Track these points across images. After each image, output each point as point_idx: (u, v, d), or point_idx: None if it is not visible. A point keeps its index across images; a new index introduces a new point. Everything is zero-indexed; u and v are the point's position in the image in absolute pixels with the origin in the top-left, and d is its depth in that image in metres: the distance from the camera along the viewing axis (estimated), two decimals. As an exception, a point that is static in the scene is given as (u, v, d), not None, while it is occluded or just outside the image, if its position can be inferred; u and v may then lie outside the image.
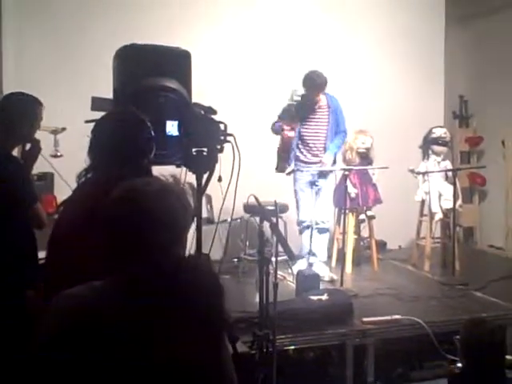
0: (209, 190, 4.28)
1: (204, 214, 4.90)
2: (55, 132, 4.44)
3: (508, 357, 3.97)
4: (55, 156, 4.41)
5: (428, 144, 5.90)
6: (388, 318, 4.27)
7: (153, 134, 2.41)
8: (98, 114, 2.65)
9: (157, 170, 2.59)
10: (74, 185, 2.47)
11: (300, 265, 5.22)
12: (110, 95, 3.39)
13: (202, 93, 3.43)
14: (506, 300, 4.79)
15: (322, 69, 6.60)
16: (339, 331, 4.08)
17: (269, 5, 6.48)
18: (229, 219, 4.62)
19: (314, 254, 5.33)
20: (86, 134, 2.47)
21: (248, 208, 5.23)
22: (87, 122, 2.78)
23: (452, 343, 4.06)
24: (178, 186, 1.53)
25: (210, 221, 4.91)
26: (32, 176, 3.50)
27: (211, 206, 5.28)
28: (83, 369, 1.33)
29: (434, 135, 5.87)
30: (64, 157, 4.41)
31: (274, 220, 3.86)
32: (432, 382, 3.87)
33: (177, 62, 3.37)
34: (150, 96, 3.16)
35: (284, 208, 5.29)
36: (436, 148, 5.86)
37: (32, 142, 3.34)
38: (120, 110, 2.68)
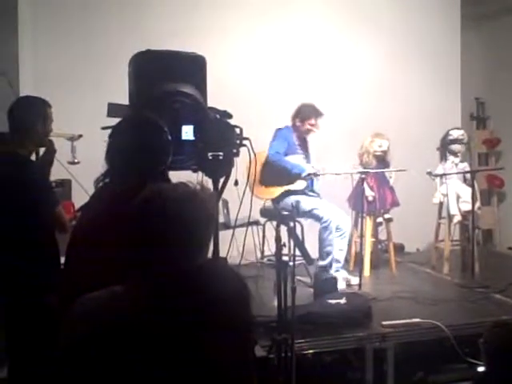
0: (225, 195, 4.30)
1: (221, 219, 4.93)
2: (72, 139, 4.46)
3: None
4: (72, 163, 4.43)
5: (445, 146, 5.86)
6: (407, 321, 4.23)
7: (170, 139, 2.42)
8: (115, 121, 2.67)
9: (173, 176, 2.62)
10: (92, 191, 2.49)
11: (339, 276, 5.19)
12: (126, 101, 3.42)
13: (217, 98, 3.44)
14: (526, 303, 4.74)
15: (337, 74, 6.64)
16: (358, 335, 4.04)
17: (282, 12, 6.49)
18: (245, 224, 4.66)
19: (337, 261, 5.29)
20: (103, 140, 2.49)
21: (265, 212, 5.23)
22: (104, 128, 2.80)
23: (472, 346, 4.05)
24: (204, 193, 1.53)
25: (226, 226, 4.92)
26: (50, 182, 3.53)
27: (228, 211, 5.29)
28: (107, 372, 1.33)
29: (451, 137, 5.84)
30: (81, 163, 4.43)
31: (291, 224, 3.86)
32: (452, 385, 3.83)
33: (192, 68, 3.39)
34: (166, 101, 3.18)
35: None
36: (453, 146, 5.82)
37: (46, 144, 3.38)
38: (138, 115, 2.68)
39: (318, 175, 5.24)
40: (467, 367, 3.93)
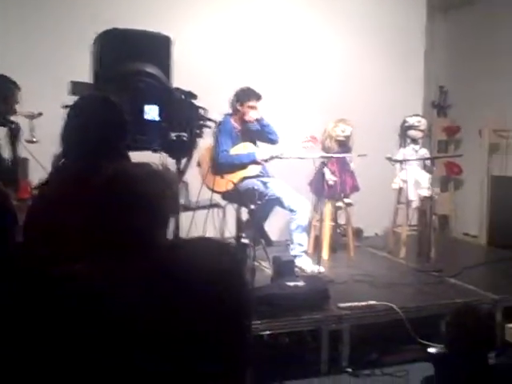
0: (186, 177, 4.31)
1: (181, 201, 4.93)
2: (31, 117, 4.39)
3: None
4: (31, 141, 4.36)
5: (403, 132, 5.97)
6: (363, 303, 4.32)
7: (127, 118, 2.41)
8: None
9: (135, 156, 2.62)
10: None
11: (302, 263, 5.24)
12: (89, 80, 3.39)
13: (183, 79, 3.43)
14: (479, 286, 4.87)
15: (302, 60, 6.66)
16: (314, 317, 4.12)
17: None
18: (206, 206, 4.68)
19: (300, 244, 5.34)
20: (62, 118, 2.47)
21: (226, 195, 5.25)
22: (65, 107, 2.77)
23: (426, 328, 4.19)
24: (167, 173, 1.54)
25: (186, 207, 4.92)
26: (6, 161, 3.47)
27: (188, 193, 5.29)
28: (69, 353, 1.32)
29: (407, 124, 5.94)
30: (41, 142, 4.37)
31: (252, 206, 3.91)
32: (405, 365, 3.93)
33: (157, 47, 3.38)
34: (130, 81, 3.17)
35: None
36: (410, 133, 5.92)
37: (6, 124, 3.32)
38: (92, 94, 2.67)
39: (281, 158, 5.26)
40: (420, 348, 4.03)
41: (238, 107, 5.30)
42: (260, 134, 5.38)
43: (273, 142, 5.38)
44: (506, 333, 4.43)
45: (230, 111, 5.37)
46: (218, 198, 5.24)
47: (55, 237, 2.04)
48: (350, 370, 4.07)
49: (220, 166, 5.06)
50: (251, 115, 5.27)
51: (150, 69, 3.22)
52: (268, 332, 3.97)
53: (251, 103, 5.26)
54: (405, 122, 5.96)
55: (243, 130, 5.39)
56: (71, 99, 2.81)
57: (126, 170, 1.50)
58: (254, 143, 5.41)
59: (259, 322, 3.84)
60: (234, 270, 1.34)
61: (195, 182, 3.60)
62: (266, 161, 5.30)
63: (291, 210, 5.28)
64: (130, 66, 3.23)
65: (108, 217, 1.44)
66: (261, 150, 5.34)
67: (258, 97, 5.27)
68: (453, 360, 2.78)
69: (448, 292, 4.75)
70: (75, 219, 1.87)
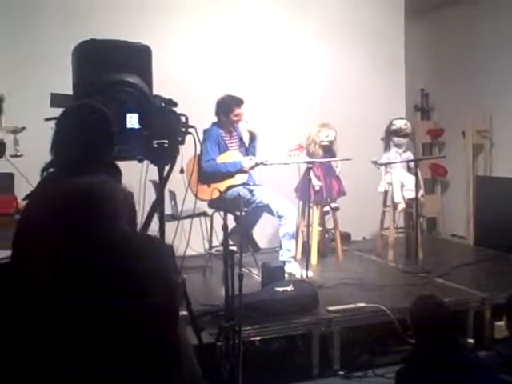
0: (173, 187, 4.31)
1: (168, 211, 4.93)
2: (15, 132, 4.39)
3: (469, 340, 4.11)
4: (15, 156, 4.36)
5: (389, 136, 6.02)
6: (353, 306, 4.34)
7: (115, 126, 2.43)
8: (58, 112, 2.66)
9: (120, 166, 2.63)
10: (35, 184, 2.48)
11: (291, 268, 5.25)
12: (69, 91, 3.39)
13: (163, 87, 3.44)
14: (467, 286, 4.92)
15: (284, 65, 6.70)
16: (305, 321, 4.14)
17: (229, 3, 6.51)
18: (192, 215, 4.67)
19: (288, 250, 5.35)
20: (50, 127, 2.48)
21: (212, 203, 5.26)
22: (47, 119, 2.78)
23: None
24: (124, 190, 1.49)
25: (174, 217, 4.92)
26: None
27: (175, 203, 5.29)
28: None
29: (394, 127, 5.99)
30: (25, 156, 4.37)
31: (238, 213, 3.91)
32: (396, 366, 3.92)
33: (136, 57, 3.37)
34: (110, 91, 3.17)
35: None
36: (397, 140, 5.98)
37: None
38: (83, 104, 2.68)
39: (266, 164, 5.29)
40: (411, 349, 4.04)
41: (223, 118, 5.32)
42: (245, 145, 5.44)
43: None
44: (496, 330, 4.48)
45: (216, 120, 5.39)
46: (204, 207, 5.26)
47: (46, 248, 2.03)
48: (341, 372, 4.09)
49: (206, 174, 5.06)
50: (242, 125, 5.35)
51: (130, 78, 3.21)
52: (259, 338, 3.98)
53: (236, 112, 5.29)
54: (392, 124, 6.00)
55: (230, 139, 5.41)
56: (53, 112, 2.82)
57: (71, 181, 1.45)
58: (241, 152, 5.43)
59: (249, 327, 3.85)
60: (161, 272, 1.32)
61: (183, 190, 3.60)
62: (251, 168, 5.33)
63: (279, 217, 5.30)
64: (109, 76, 3.23)
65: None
66: (247, 158, 5.35)
67: (239, 103, 5.30)
68: (420, 349, 2.82)
69: (436, 292, 4.75)
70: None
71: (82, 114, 2.50)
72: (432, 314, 2.81)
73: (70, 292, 1.28)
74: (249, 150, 5.46)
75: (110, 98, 3.08)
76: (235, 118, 5.31)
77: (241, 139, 5.47)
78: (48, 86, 3.72)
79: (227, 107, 5.29)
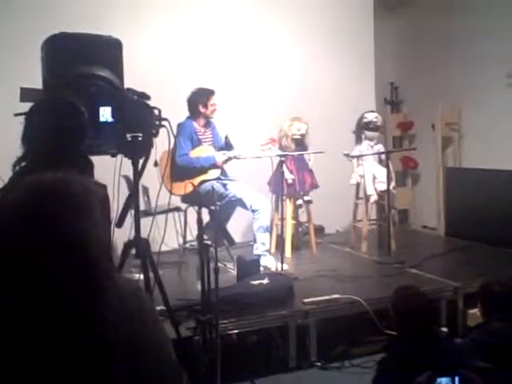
0: (146, 182, 4.28)
1: (141, 207, 4.89)
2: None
3: (443, 329, 4.16)
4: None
5: (360, 128, 6.06)
6: (328, 297, 4.36)
7: (87, 119, 2.40)
8: (27, 106, 2.62)
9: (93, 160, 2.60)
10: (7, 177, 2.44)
11: (266, 262, 5.26)
12: (39, 86, 3.34)
13: (135, 81, 3.41)
14: (439, 275, 4.98)
15: (255, 60, 6.69)
16: (281, 313, 4.15)
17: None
18: (166, 210, 4.65)
19: (263, 243, 5.36)
20: (19, 122, 2.44)
21: (185, 198, 5.23)
22: (17, 114, 2.73)
23: (390, 318, 4.23)
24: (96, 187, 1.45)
25: (147, 213, 4.88)
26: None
27: (148, 198, 5.26)
28: None
29: (365, 120, 6.03)
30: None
31: (213, 207, 3.90)
32: (372, 356, 3.96)
33: (107, 50, 3.33)
34: (81, 85, 3.13)
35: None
36: (368, 133, 6.03)
37: None
38: (55, 97, 2.65)
39: (238, 158, 5.28)
40: (386, 339, 4.08)
41: (202, 109, 5.29)
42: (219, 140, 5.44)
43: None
44: (468, 318, 4.54)
45: (189, 114, 5.36)
46: (178, 202, 5.23)
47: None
48: (318, 363, 4.10)
49: (180, 169, 5.03)
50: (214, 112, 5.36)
51: (101, 72, 3.18)
52: (236, 331, 3.97)
53: (212, 101, 5.31)
54: (363, 117, 6.05)
55: (204, 134, 5.39)
56: (23, 106, 2.78)
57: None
58: (215, 147, 5.42)
59: (226, 321, 3.84)
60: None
61: (157, 185, 3.57)
62: (225, 162, 5.32)
63: (253, 210, 5.31)
64: (80, 69, 3.19)
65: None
66: (220, 153, 5.34)
67: (213, 92, 5.33)
68: (402, 339, 2.85)
69: (410, 282, 4.80)
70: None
71: (52, 107, 2.47)
72: (414, 304, 2.86)
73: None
74: (224, 145, 5.45)
75: (81, 91, 3.04)
76: (213, 108, 5.32)
77: (214, 134, 5.45)
78: (17, 80, 3.66)
79: (203, 97, 5.29)
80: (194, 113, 5.35)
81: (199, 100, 5.29)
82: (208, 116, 5.36)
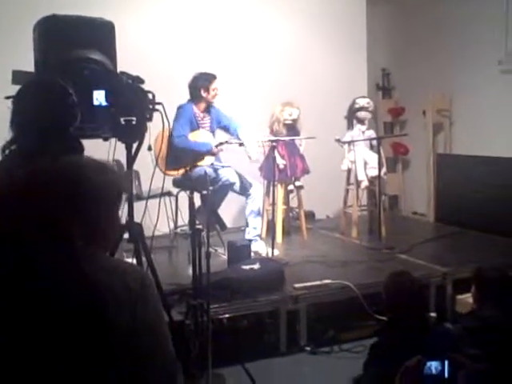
0: (137, 166, 4.25)
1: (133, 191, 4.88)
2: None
3: (432, 314, 4.20)
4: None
5: (352, 114, 6.06)
6: (318, 282, 4.38)
7: (76, 101, 2.39)
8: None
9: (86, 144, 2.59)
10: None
11: (257, 247, 5.27)
12: (31, 69, 3.32)
13: (130, 64, 3.39)
14: (428, 261, 5.02)
15: (249, 44, 6.67)
16: (272, 298, 4.17)
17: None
18: (158, 195, 4.64)
19: (254, 228, 5.37)
20: (7, 106, 2.43)
21: (177, 182, 5.23)
22: (8, 97, 2.71)
23: (380, 303, 4.26)
24: (109, 164, 1.50)
25: (138, 197, 4.87)
26: None
27: (140, 182, 5.25)
28: None
29: (357, 105, 6.04)
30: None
31: (204, 191, 3.90)
32: (363, 341, 4.00)
33: (100, 33, 3.33)
34: (74, 68, 3.11)
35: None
36: (359, 114, 6.01)
37: None
38: (40, 79, 2.63)
39: (231, 143, 5.27)
40: (376, 324, 4.12)
41: (203, 94, 5.25)
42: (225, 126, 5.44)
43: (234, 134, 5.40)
44: (457, 304, 4.59)
45: (190, 98, 5.31)
46: (169, 186, 5.22)
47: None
48: (308, 348, 4.13)
49: (176, 150, 4.99)
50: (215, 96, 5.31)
51: (94, 55, 3.17)
52: (226, 315, 3.99)
53: (214, 85, 5.26)
54: (354, 103, 6.05)
55: (203, 119, 5.36)
56: (15, 89, 2.76)
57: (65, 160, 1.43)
58: (213, 133, 5.39)
59: (217, 305, 3.86)
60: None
61: (150, 169, 3.56)
62: (219, 150, 5.29)
63: (245, 195, 5.31)
64: (73, 52, 3.17)
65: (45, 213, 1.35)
66: (216, 140, 5.31)
67: (215, 76, 5.28)
68: (394, 323, 2.88)
69: (400, 267, 4.83)
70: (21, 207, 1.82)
71: (39, 89, 2.46)
72: (407, 289, 2.88)
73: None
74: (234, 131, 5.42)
75: (75, 74, 3.03)
76: (215, 93, 5.27)
77: (212, 120, 5.41)
78: (10, 62, 3.63)
79: (205, 82, 5.23)
80: (195, 97, 5.28)
81: (201, 84, 5.23)
82: (209, 101, 5.31)
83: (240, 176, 5.30)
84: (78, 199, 1.34)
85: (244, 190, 5.29)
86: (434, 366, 2.42)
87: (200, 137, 5.28)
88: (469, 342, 2.82)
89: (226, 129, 5.45)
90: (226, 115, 5.45)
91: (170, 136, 4.70)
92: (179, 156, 5.00)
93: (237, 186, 5.26)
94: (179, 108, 5.17)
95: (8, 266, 1.24)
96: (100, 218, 1.38)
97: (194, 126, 5.27)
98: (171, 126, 4.87)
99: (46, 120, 2.28)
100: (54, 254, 1.25)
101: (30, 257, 1.25)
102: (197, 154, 5.17)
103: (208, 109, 5.38)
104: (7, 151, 2.41)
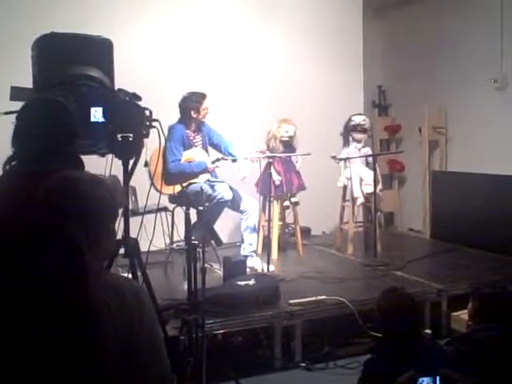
0: (134, 182, 4.27)
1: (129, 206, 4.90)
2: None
3: (427, 331, 4.20)
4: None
5: (348, 131, 6.10)
6: (313, 298, 4.39)
7: (76, 120, 2.42)
8: (18, 105, 2.63)
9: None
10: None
11: (252, 263, 5.29)
12: (28, 85, 3.35)
13: (126, 82, 3.43)
14: (424, 277, 5.04)
15: (244, 62, 6.72)
16: (267, 314, 4.17)
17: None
18: (154, 210, 4.65)
19: (250, 244, 5.39)
20: (11, 121, 2.45)
21: (173, 198, 5.24)
22: (7, 113, 2.74)
23: (375, 320, 4.27)
24: (106, 179, 1.54)
25: (135, 212, 4.89)
26: None
27: (136, 198, 5.26)
28: None
29: (353, 122, 6.07)
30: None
31: (200, 208, 3.93)
32: (357, 357, 4.00)
33: (98, 51, 3.35)
34: (72, 85, 3.14)
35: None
36: (355, 135, 6.07)
37: None
38: (44, 97, 2.66)
39: (226, 159, 5.29)
40: (371, 340, 4.12)
41: (194, 115, 5.27)
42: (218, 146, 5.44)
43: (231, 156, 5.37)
44: (452, 321, 4.60)
45: (180, 118, 5.32)
46: (165, 202, 5.24)
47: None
48: (303, 364, 4.14)
49: (172, 175, 4.98)
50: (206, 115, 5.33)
51: (92, 72, 3.20)
52: (221, 331, 4.00)
53: (204, 105, 5.27)
54: (350, 120, 6.09)
55: (195, 138, 5.38)
56: (13, 105, 2.79)
57: (65, 176, 1.47)
58: (206, 150, 5.41)
59: (212, 321, 3.87)
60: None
61: (146, 185, 3.58)
62: (215, 166, 5.31)
63: (241, 211, 5.33)
64: (71, 70, 3.20)
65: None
66: (209, 157, 5.33)
67: (204, 96, 5.29)
68: (388, 339, 2.89)
69: (395, 284, 4.84)
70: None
71: (43, 106, 2.48)
72: (401, 305, 2.88)
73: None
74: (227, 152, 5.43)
75: (72, 91, 3.06)
76: (205, 112, 5.28)
77: (204, 137, 5.43)
78: (8, 79, 3.67)
79: (195, 103, 5.23)
80: (185, 118, 5.29)
81: (191, 105, 5.23)
82: (200, 120, 5.34)
83: (236, 192, 5.32)
84: (76, 213, 1.37)
85: (236, 207, 5.31)
86: (426, 381, 2.44)
87: (194, 156, 5.30)
88: (462, 361, 2.82)
89: (216, 147, 5.46)
90: (217, 132, 5.47)
91: (165, 156, 4.72)
92: (175, 179, 5.01)
93: (232, 202, 5.28)
94: (170, 129, 5.15)
95: (12, 281, 1.26)
96: (97, 232, 1.41)
97: (187, 145, 5.29)
98: (166, 147, 4.91)
99: (47, 137, 2.31)
100: (61, 267, 1.28)
101: (30, 268, 1.27)
102: (193, 175, 5.19)
103: (199, 127, 5.39)
104: (7, 167, 2.43)
